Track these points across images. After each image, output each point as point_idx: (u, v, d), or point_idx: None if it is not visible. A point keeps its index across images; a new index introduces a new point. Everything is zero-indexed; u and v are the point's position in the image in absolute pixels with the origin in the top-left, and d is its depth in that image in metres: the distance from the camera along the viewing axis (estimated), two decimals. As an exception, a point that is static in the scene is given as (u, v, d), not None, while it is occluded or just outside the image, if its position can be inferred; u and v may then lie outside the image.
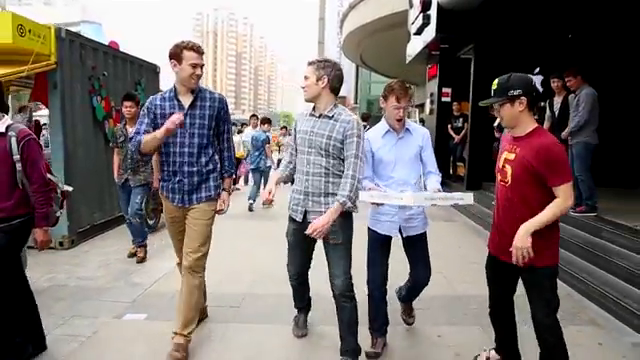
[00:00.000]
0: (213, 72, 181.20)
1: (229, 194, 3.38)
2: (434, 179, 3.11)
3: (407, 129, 3.14)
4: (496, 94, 2.55)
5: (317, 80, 2.87)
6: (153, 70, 8.48)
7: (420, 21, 9.61)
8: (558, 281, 2.60)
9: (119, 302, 4.04)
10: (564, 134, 5.40)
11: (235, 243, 5.98)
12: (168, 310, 3.68)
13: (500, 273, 2.75)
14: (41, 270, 4.75)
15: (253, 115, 11.54)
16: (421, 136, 3.18)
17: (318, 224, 2.75)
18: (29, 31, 5.09)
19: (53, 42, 5.47)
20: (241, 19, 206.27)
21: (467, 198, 2.93)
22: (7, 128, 2.93)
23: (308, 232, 2.78)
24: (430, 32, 9.54)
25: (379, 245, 3.16)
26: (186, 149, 3.10)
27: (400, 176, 3.09)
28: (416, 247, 3.21)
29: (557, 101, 5.82)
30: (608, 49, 7.90)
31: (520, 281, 2.66)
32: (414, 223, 3.16)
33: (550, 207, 2.40)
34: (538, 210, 2.43)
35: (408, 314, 3.57)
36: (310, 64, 2.91)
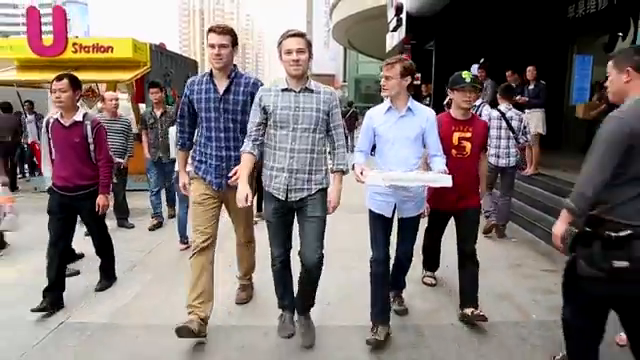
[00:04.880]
0: (201, 50, 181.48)
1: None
2: (440, 161, 3.07)
3: (410, 109, 3.04)
4: (475, 83, 3.28)
5: (310, 55, 2.81)
6: (194, 64, 11.30)
7: (395, 22, 12.49)
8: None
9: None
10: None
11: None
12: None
13: (444, 221, 3.69)
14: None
15: None
16: (425, 118, 3.07)
17: (335, 200, 2.92)
18: (138, 47, 7.93)
19: (148, 53, 8.30)
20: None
21: (444, 180, 2.86)
22: (83, 117, 3.68)
23: (330, 212, 2.94)
24: (402, 31, 12.43)
25: (379, 224, 3.13)
26: (222, 134, 3.11)
27: (400, 155, 3.02)
28: (407, 228, 3.21)
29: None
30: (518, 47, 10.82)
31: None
32: (409, 205, 3.10)
33: (483, 173, 3.60)
34: (477, 170, 3.47)
35: (399, 303, 3.58)
36: (302, 36, 2.79)
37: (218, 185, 3.16)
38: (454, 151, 3.32)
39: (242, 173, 2.84)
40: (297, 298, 3.19)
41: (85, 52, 7.72)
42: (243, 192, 2.76)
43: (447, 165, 3.06)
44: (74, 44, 7.74)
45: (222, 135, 3.11)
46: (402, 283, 3.59)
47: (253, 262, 3.72)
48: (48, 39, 7.78)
